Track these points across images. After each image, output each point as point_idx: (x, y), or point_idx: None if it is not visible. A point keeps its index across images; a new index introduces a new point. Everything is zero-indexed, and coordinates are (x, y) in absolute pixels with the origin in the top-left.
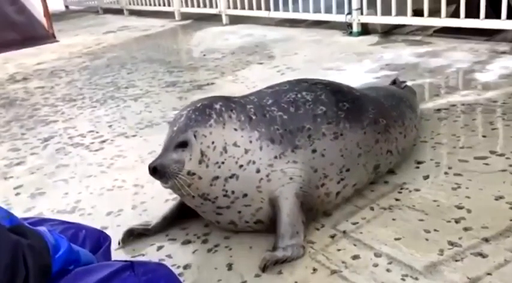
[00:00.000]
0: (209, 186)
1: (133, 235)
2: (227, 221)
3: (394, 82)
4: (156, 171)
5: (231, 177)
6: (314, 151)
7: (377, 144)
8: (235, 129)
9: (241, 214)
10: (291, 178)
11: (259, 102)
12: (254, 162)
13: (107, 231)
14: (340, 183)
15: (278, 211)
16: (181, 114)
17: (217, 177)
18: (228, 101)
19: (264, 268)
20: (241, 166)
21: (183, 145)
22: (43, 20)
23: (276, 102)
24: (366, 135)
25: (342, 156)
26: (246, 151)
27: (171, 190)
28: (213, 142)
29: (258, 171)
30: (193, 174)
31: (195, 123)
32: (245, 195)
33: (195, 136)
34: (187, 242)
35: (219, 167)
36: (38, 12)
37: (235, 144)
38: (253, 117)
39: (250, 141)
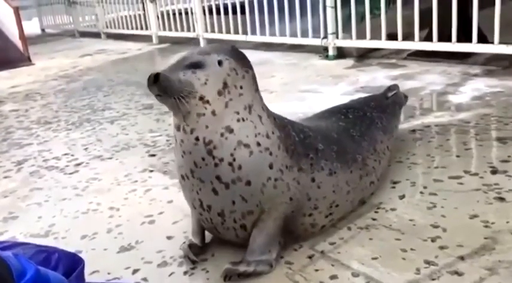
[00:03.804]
0: (220, 135)
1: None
2: (218, 209)
3: (389, 88)
4: (157, 80)
5: (245, 145)
6: (313, 180)
7: (361, 180)
8: (263, 109)
9: (234, 206)
10: (290, 199)
11: (279, 115)
12: (271, 153)
13: (82, 255)
14: (328, 217)
15: (259, 226)
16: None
17: (231, 131)
18: None
19: (225, 279)
20: (258, 144)
21: (196, 66)
22: (18, 43)
23: (290, 123)
24: (352, 173)
25: (334, 192)
26: (268, 136)
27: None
28: (241, 87)
29: (271, 166)
30: (207, 102)
31: (229, 53)
32: (248, 183)
33: (220, 62)
34: (163, 265)
35: (238, 121)
36: (13, 35)
37: (260, 118)
38: (277, 120)
39: (273, 133)
